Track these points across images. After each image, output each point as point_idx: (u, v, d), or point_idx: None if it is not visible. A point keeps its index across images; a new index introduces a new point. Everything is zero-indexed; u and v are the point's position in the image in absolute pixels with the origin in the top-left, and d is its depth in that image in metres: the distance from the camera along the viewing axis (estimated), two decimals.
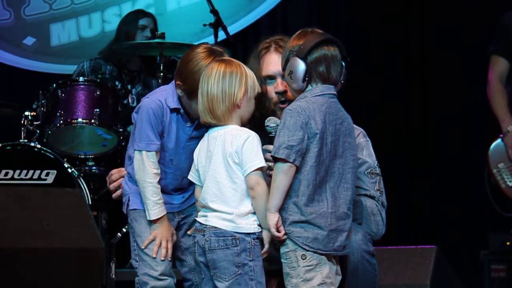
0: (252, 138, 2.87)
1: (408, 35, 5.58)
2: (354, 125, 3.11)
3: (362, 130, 3.18)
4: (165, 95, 2.99)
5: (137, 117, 2.98)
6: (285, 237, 2.77)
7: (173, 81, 3.02)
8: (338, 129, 2.82)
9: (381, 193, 3.13)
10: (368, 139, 3.18)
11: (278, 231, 2.76)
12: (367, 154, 3.15)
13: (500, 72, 4.39)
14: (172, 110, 2.99)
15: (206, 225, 2.84)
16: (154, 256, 2.93)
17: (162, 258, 2.93)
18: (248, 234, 2.81)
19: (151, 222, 2.95)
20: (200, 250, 2.83)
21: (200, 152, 2.91)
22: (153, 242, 2.94)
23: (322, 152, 2.78)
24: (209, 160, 2.88)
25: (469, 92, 5.20)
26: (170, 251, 2.95)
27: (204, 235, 2.84)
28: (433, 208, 5.35)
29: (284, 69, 2.89)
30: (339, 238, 2.79)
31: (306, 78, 2.83)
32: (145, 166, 2.92)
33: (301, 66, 2.83)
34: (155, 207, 2.93)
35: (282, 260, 2.79)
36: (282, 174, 2.76)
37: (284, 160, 2.75)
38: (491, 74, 4.41)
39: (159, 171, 2.94)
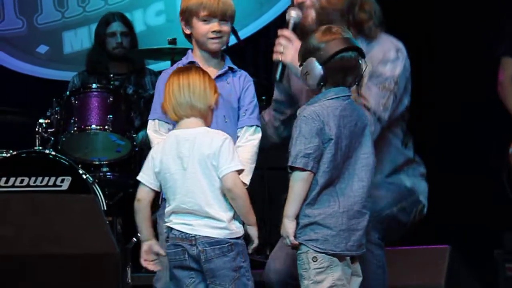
0: (229, 140, 2.87)
1: (407, 34, 5.54)
2: (392, 39, 3.08)
3: (399, 44, 3.11)
4: None
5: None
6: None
7: None
8: (352, 131, 2.83)
9: (385, 109, 3.07)
10: (400, 55, 3.09)
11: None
12: (390, 68, 3.08)
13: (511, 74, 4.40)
14: None
15: (195, 235, 2.82)
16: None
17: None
18: (239, 237, 2.84)
19: None
20: (191, 258, 2.83)
21: (164, 154, 2.88)
22: None
23: (336, 157, 2.79)
24: (181, 163, 2.86)
25: (482, 90, 5.06)
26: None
27: (193, 245, 2.82)
28: (445, 207, 5.16)
29: (301, 61, 2.87)
30: (352, 237, 2.78)
31: (321, 83, 2.84)
32: None
33: (318, 71, 2.82)
34: None
35: (297, 262, 2.79)
36: (302, 182, 2.76)
37: (302, 169, 2.76)
38: (502, 75, 4.40)
39: None
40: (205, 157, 2.82)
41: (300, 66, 2.86)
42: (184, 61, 3.16)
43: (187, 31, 3.15)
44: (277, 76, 3.10)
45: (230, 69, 3.15)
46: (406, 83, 3.13)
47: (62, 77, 5.80)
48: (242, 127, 3.08)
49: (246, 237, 2.88)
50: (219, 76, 3.06)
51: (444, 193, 5.31)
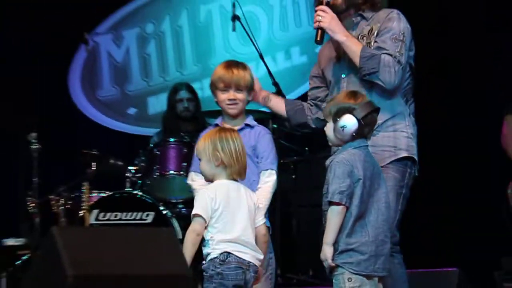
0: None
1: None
2: (391, 9, 3.52)
3: (397, 11, 3.55)
4: None
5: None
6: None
7: None
8: (372, 174, 3.19)
9: (401, 54, 3.44)
10: (399, 15, 3.51)
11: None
12: (396, 23, 3.48)
13: None
14: None
15: (249, 262, 3.17)
16: None
17: None
18: None
19: None
20: (244, 281, 3.16)
21: (221, 197, 3.11)
22: None
23: (363, 194, 3.13)
24: (238, 205, 3.16)
25: (485, 118, 5.17)
26: None
27: (248, 270, 3.17)
28: (449, 230, 5.38)
29: (335, 116, 3.16)
30: (378, 261, 3.12)
31: (353, 135, 3.18)
32: None
33: (355, 125, 3.14)
34: None
35: (333, 281, 3.17)
36: (338, 215, 3.08)
37: (338, 204, 3.09)
38: (506, 129, 4.76)
39: None
40: (251, 205, 3.22)
41: (334, 122, 3.20)
42: (215, 123, 3.61)
43: (215, 100, 3.63)
44: (319, 38, 3.49)
45: (248, 125, 3.54)
46: (410, 40, 3.55)
47: (147, 133, 6.33)
48: (260, 172, 3.53)
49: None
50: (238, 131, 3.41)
51: (448, 218, 5.38)
